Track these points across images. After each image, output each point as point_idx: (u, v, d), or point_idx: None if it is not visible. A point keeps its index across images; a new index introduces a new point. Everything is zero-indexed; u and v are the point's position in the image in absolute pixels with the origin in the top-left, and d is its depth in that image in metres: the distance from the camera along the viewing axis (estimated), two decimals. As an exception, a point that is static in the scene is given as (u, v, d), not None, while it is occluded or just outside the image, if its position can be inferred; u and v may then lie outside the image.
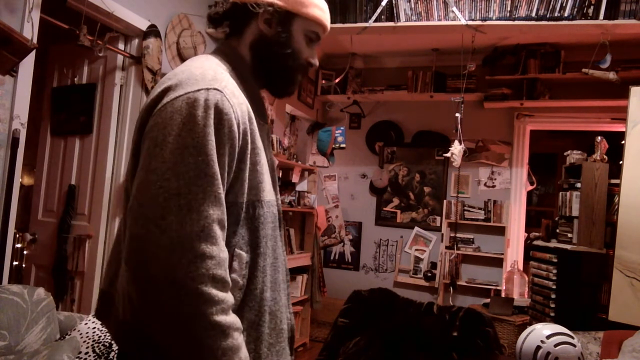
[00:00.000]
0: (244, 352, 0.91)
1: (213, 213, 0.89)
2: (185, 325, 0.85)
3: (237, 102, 0.97)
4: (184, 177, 0.87)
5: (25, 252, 3.38)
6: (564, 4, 2.99)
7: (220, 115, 0.92)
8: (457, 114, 3.78)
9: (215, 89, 0.93)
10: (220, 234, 0.91)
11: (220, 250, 0.89)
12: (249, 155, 0.99)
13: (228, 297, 0.90)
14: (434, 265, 4.98)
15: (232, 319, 0.90)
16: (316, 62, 1.16)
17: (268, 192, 1.05)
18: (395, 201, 5.22)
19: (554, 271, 3.70)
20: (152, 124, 0.92)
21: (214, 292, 0.86)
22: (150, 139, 0.90)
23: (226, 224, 0.94)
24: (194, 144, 0.88)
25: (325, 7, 1.13)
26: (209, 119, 0.90)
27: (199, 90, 0.92)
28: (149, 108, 0.96)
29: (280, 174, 4.60)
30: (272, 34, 1.10)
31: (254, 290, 1.01)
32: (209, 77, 0.96)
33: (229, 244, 0.96)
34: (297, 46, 1.11)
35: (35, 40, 2.32)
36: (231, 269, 0.96)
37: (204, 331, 0.85)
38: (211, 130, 0.90)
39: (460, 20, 3.16)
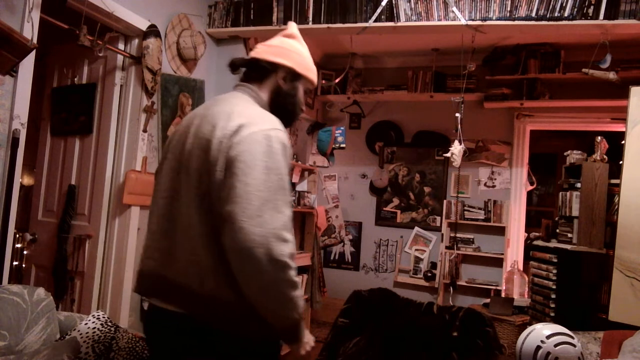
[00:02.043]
0: (302, 295, 1.40)
1: (288, 212, 1.31)
2: (278, 285, 1.28)
3: (286, 138, 1.39)
4: (270, 189, 1.28)
5: (25, 252, 3.38)
6: (564, 4, 2.99)
7: (285, 147, 1.35)
8: (457, 114, 3.78)
9: (278, 129, 1.37)
10: (291, 226, 1.32)
11: (292, 237, 1.31)
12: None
13: (295, 267, 1.32)
14: (434, 265, 4.98)
15: (298, 278, 1.35)
16: (304, 107, 1.64)
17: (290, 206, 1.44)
18: (395, 201, 5.22)
19: (554, 271, 3.70)
20: (241, 150, 1.30)
21: (293, 263, 1.29)
22: (242, 162, 1.28)
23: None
24: (275, 166, 1.30)
25: (315, 70, 1.61)
26: (280, 149, 1.33)
27: (272, 129, 1.35)
28: (225, 137, 1.32)
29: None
30: (287, 87, 1.55)
31: None
32: (272, 119, 1.40)
33: None
34: (299, 97, 1.59)
35: (35, 40, 2.32)
36: None
37: (289, 287, 1.30)
38: (282, 158, 1.33)
39: (460, 20, 3.16)
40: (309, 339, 1.47)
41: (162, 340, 1.42)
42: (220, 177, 1.30)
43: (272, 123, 1.37)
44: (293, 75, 1.54)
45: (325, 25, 3.41)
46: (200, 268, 1.32)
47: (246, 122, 1.34)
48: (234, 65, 1.58)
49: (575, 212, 3.72)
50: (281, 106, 1.54)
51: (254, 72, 1.54)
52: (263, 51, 1.55)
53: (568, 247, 3.65)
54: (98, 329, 2.18)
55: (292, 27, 1.61)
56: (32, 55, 2.32)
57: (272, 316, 1.33)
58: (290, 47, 1.55)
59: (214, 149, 1.32)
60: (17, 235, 3.12)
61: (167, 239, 1.40)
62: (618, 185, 3.34)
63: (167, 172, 1.46)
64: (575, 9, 2.97)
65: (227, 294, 1.31)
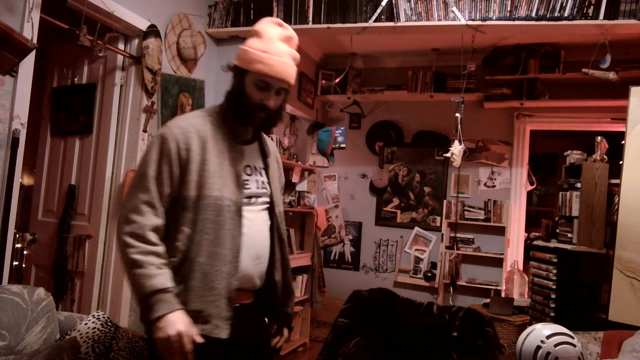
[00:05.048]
0: (149, 277, 1.40)
1: (143, 197, 1.46)
2: (123, 261, 1.46)
3: (180, 132, 1.51)
4: (135, 178, 1.52)
5: (25, 252, 3.38)
6: (564, 4, 2.99)
7: (164, 139, 1.51)
8: (457, 114, 3.78)
9: (170, 127, 1.54)
10: (146, 209, 1.46)
11: (142, 217, 1.45)
12: (192, 166, 1.49)
13: (144, 246, 1.42)
14: (434, 265, 4.98)
15: (144, 257, 1.41)
16: (270, 103, 1.55)
17: (217, 190, 1.50)
18: (395, 201, 5.22)
19: (554, 271, 3.70)
20: None
21: (135, 242, 1.42)
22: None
23: (158, 205, 1.47)
24: (145, 159, 1.52)
25: (271, 61, 1.52)
26: (157, 142, 1.52)
27: (165, 128, 1.55)
28: None
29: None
30: (233, 86, 1.60)
31: (190, 254, 1.48)
32: (177, 121, 1.58)
33: (177, 222, 1.50)
34: (249, 92, 1.55)
35: (35, 40, 2.32)
36: (176, 238, 1.49)
37: (128, 264, 1.43)
38: (154, 149, 1.51)
39: (460, 20, 3.16)
40: (180, 329, 1.38)
41: None
42: None
43: (172, 123, 1.55)
44: (238, 72, 1.57)
45: (325, 25, 3.41)
46: None
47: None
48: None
49: (575, 212, 3.72)
50: (230, 105, 1.60)
51: None
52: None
53: (568, 247, 3.65)
54: (98, 329, 2.18)
55: (257, 24, 1.61)
56: (32, 55, 2.32)
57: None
58: (241, 47, 1.59)
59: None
60: (17, 235, 3.12)
61: None
62: (618, 185, 3.33)
63: None
64: (575, 9, 2.97)
65: None
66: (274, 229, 1.66)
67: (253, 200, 1.60)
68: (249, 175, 1.62)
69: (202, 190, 1.49)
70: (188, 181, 1.50)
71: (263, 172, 1.68)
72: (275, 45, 1.55)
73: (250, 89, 1.55)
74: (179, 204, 1.50)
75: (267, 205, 1.66)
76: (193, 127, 1.54)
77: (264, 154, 1.71)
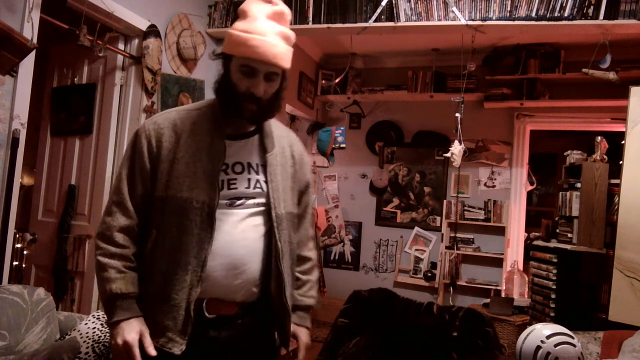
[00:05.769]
0: (109, 280, 1.33)
1: (115, 197, 1.40)
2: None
3: (152, 128, 1.41)
4: (115, 179, 1.52)
5: (25, 252, 3.38)
6: (564, 4, 2.99)
7: (137, 135, 1.43)
8: (457, 114, 3.78)
9: (147, 122, 1.45)
10: (115, 210, 1.38)
11: (111, 218, 1.38)
12: (162, 164, 1.38)
13: (108, 248, 1.35)
14: (434, 265, 4.98)
15: (107, 260, 1.35)
16: (258, 90, 1.37)
17: (185, 191, 1.36)
18: (395, 201, 5.22)
19: (554, 271, 3.70)
20: None
21: (102, 244, 1.37)
22: None
23: (129, 205, 1.38)
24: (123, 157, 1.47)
25: (253, 42, 1.33)
26: (132, 139, 1.44)
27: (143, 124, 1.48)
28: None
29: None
30: (220, 74, 1.43)
31: (151, 257, 1.38)
32: (155, 116, 1.49)
33: (149, 224, 1.40)
34: (234, 80, 1.38)
35: (35, 40, 2.32)
36: (146, 241, 1.39)
37: (95, 265, 1.37)
38: (130, 146, 1.44)
39: (460, 20, 3.16)
40: (128, 339, 1.29)
41: None
42: None
43: (150, 119, 1.47)
44: (225, 59, 1.41)
45: (325, 25, 3.41)
46: None
47: None
48: None
49: (575, 212, 3.72)
50: (218, 95, 1.45)
51: None
52: None
53: (568, 247, 3.65)
54: (98, 329, 2.18)
55: (244, 3, 1.41)
56: (32, 55, 2.32)
57: None
58: (227, 31, 1.41)
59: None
60: (17, 235, 3.12)
61: None
62: (618, 185, 3.34)
63: None
64: (575, 9, 2.97)
65: None
66: (270, 234, 1.44)
67: (239, 202, 1.41)
68: (238, 173, 1.43)
69: (168, 191, 1.37)
70: (157, 180, 1.38)
71: (261, 169, 1.46)
72: (259, 23, 1.35)
73: (236, 77, 1.38)
74: (152, 204, 1.39)
75: (262, 208, 1.44)
76: (169, 122, 1.42)
77: (265, 150, 1.48)
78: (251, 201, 1.43)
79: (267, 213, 1.44)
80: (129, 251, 1.37)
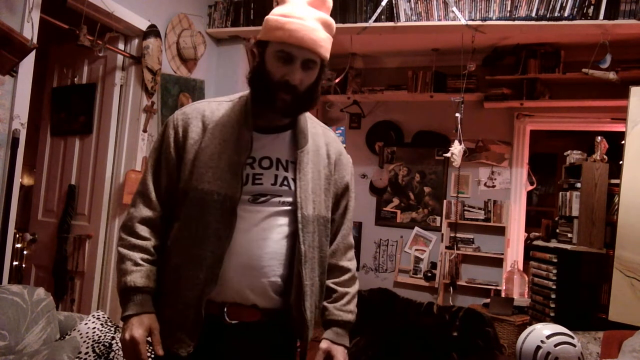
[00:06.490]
0: (125, 272, 1.28)
1: (141, 188, 1.36)
2: None
3: (181, 117, 1.37)
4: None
5: (25, 252, 3.38)
6: (564, 4, 2.99)
7: (167, 125, 1.38)
8: (457, 114, 3.78)
9: (175, 112, 1.41)
10: (139, 201, 1.34)
11: (138, 208, 1.34)
12: (187, 154, 1.33)
13: (129, 239, 1.31)
14: (434, 265, 4.98)
15: (126, 251, 1.30)
16: (294, 78, 1.27)
17: (207, 183, 1.29)
18: (395, 201, 5.22)
19: (554, 271, 3.70)
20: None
21: (124, 235, 1.33)
22: None
23: (153, 197, 1.34)
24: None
25: (291, 25, 1.25)
26: (162, 130, 1.40)
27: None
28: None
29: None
30: (254, 64, 1.35)
31: (169, 249, 1.34)
32: (185, 107, 1.44)
33: (172, 217, 1.34)
34: (269, 68, 1.29)
35: (35, 40, 2.32)
36: (168, 234, 1.34)
37: (117, 255, 1.33)
38: (161, 137, 1.39)
39: (460, 20, 3.16)
40: (135, 336, 1.22)
41: None
42: None
43: (181, 109, 1.42)
44: (260, 46, 1.32)
45: (325, 25, 3.40)
46: None
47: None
48: None
49: (575, 212, 3.72)
50: (251, 86, 1.35)
51: None
52: None
53: (568, 247, 3.65)
54: (98, 329, 2.18)
55: None
56: (32, 55, 2.32)
57: None
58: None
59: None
60: (17, 235, 3.13)
61: None
62: (618, 185, 3.34)
63: None
64: (575, 9, 2.97)
65: None
66: (295, 236, 1.33)
67: (264, 198, 1.32)
68: (265, 168, 1.33)
69: (190, 182, 1.30)
70: (182, 171, 1.33)
71: (290, 166, 1.36)
72: (299, 8, 1.28)
73: (271, 64, 1.28)
74: (176, 196, 1.34)
75: (288, 207, 1.34)
76: (197, 112, 1.36)
77: (297, 146, 1.38)
78: (277, 199, 1.33)
79: (294, 213, 1.34)
80: (149, 243, 1.31)
